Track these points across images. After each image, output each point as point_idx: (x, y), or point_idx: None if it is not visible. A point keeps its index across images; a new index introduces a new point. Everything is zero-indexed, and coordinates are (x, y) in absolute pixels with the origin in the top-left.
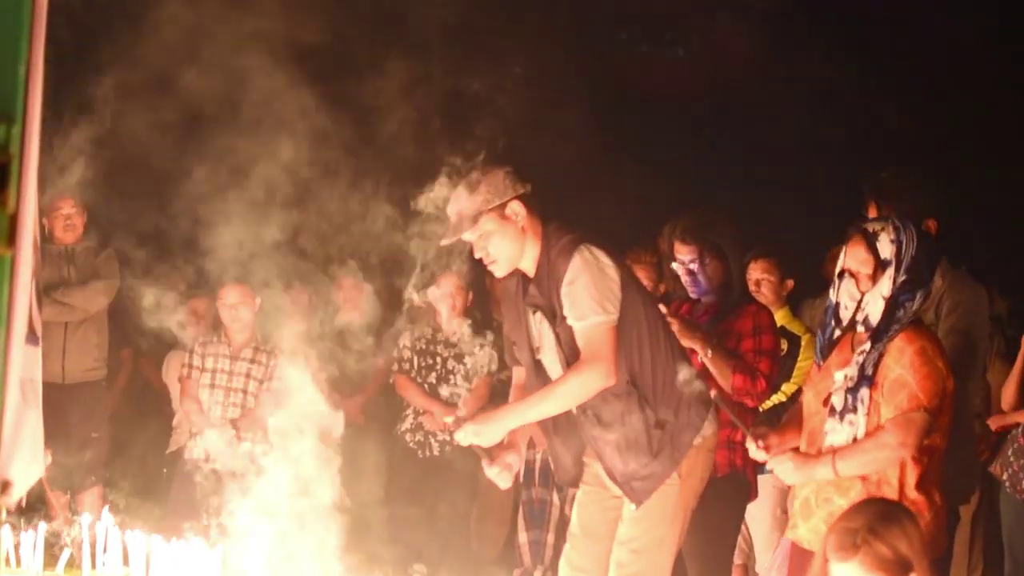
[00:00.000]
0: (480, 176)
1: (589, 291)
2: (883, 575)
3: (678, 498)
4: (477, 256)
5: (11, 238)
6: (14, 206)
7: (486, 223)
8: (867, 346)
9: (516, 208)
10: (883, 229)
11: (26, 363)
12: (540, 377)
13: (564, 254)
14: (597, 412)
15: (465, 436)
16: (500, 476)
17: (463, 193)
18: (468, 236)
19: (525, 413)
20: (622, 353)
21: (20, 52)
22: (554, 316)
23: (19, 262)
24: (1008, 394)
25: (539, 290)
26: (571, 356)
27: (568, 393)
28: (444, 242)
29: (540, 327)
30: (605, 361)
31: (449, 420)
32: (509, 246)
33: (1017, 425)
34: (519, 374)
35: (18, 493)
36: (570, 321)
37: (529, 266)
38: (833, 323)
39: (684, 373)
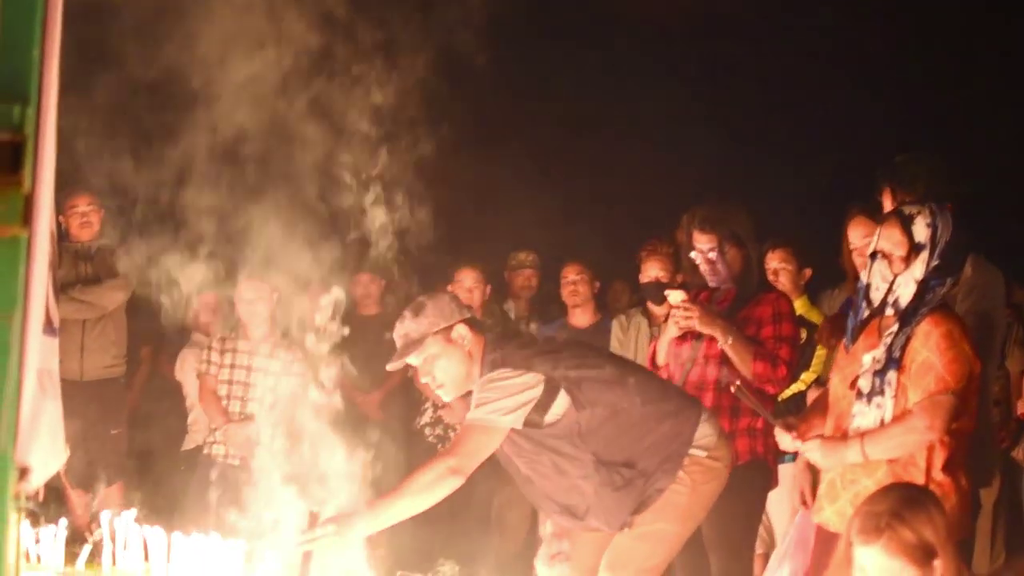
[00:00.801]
0: (426, 300)
1: (483, 395)
2: (907, 560)
3: (689, 500)
4: (423, 381)
5: (27, 218)
6: (29, 186)
7: (431, 346)
8: (894, 328)
9: (462, 331)
10: (919, 212)
11: (43, 354)
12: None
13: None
14: (568, 507)
15: (323, 537)
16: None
17: (408, 317)
18: (413, 360)
19: (372, 522)
20: (591, 435)
21: (34, 33)
22: None
23: (35, 244)
24: None
25: None
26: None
27: (420, 491)
28: (390, 367)
29: None
30: (460, 457)
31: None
32: (456, 370)
33: None
34: None
35: (37, 481)
36: None
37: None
38: (864, 304)
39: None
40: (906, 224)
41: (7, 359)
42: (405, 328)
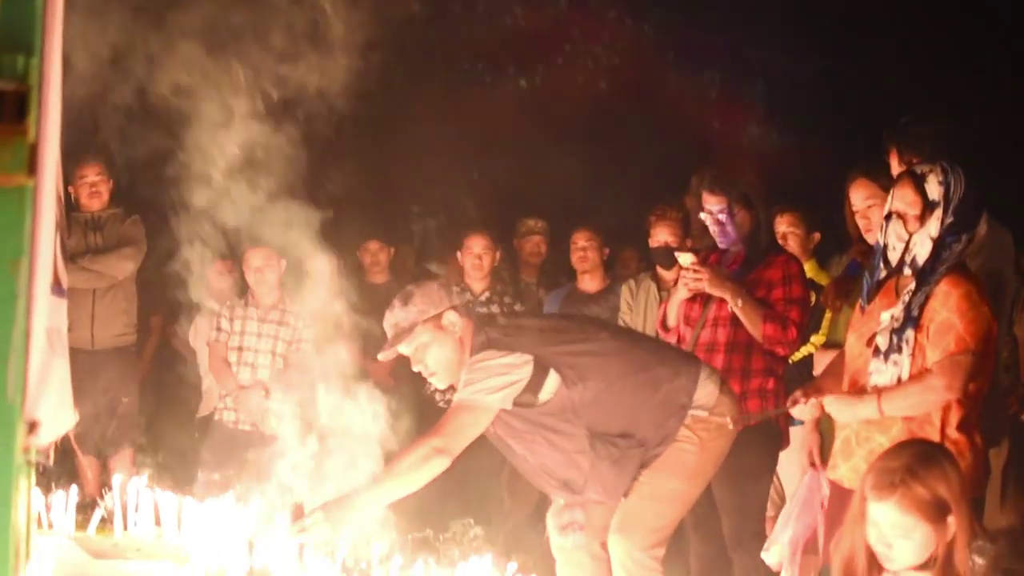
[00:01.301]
0: (414, 289)
1: (469, 376)
2: (920, 516)
3: (697, 457)
4: (416, 369)
5: (32, 168)
6: (34, 136)
7: (422, 334)
8: (912, 287)
9: (452, 318)
10: (931, 171)
11: (52, 313)
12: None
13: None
14: (566, 482)
15: (311, 528)
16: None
17: (397, 306)
18: (404, 349)
19: (364, 503)
20: (585, 409)
21: None
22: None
23: (41, 193)
24: None
25: None
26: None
27: (406, 472)
28: (381, 357)
29: None
30: (444, 437)
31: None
32: (448, 357)
33: None
34: None
35: (46, 437)
36: None
37: None
38: (881, 265)
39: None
40: (919, 183)
41: (14, 309)
42: (395, 317)
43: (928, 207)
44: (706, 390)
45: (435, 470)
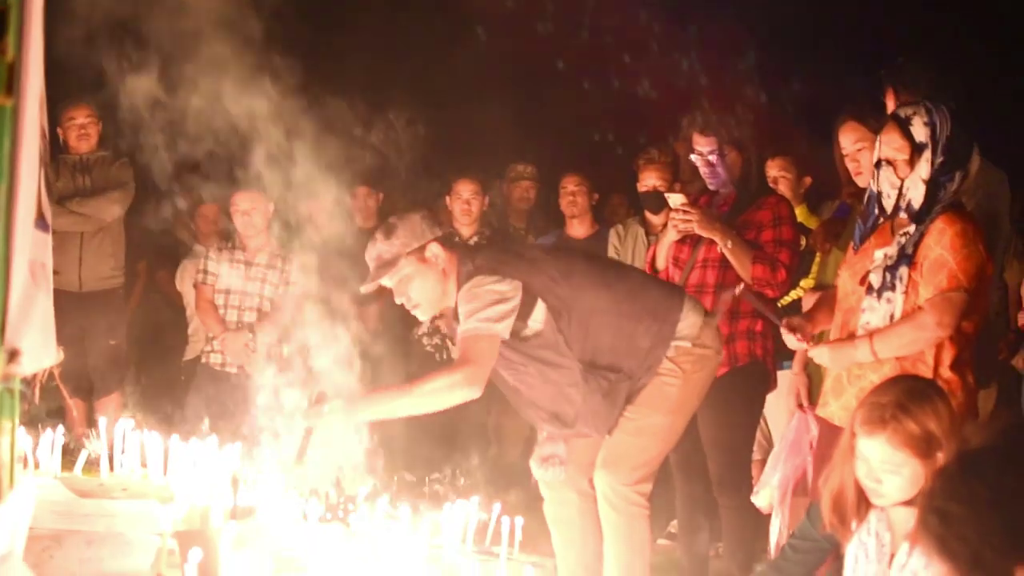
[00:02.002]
0: (396, 221)
1: (470, 306)
2: (910, 451)
3: (680, 390)
4: (398, 302)
5: (10, 87)
6: (13, 54)
7: (405, 266)
8: (910, 228)
9: (435, 250)
10: (915, 113)
11: (36, 247)
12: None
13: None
14: (557, 415)
15: (328, 416)
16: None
17: (380, 239)
18: (387, 282)
19: (377, 409)
20: (573, 340)
21: None
22: None
23: (23, 113)
24: None
25: (455, 325)
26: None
27: (425, 397)
28: (364, 289)
29: None
30: (472, 366)
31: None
32: (431, 289)
33: None
34: None
35: (27, 368)
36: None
37: (453, 303)
38: (876, 211)
39: (636, 314)
40: (904, 127)
41: None
42: (377, 250)
43: (916, 150)
44: (689, 320)
45: (460, 399)
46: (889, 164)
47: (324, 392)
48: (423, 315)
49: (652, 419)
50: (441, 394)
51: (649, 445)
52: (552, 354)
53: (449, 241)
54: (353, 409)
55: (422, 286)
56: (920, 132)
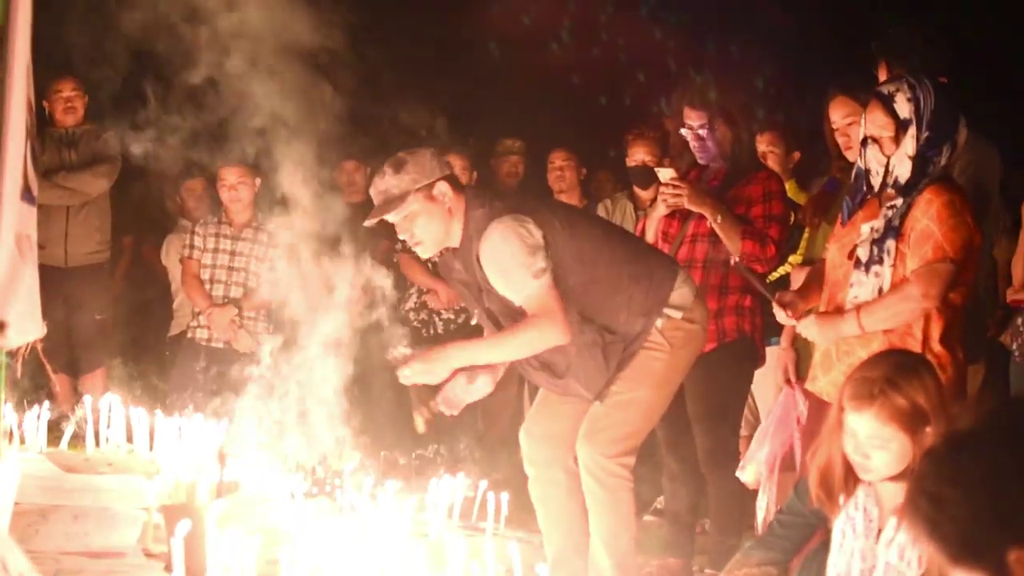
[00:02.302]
0: (406, 156)
1: (513, 263)
2: (898, 426)
3: (666, 365)
4: (401, 237)
5: None
6: (0, 25)
7: (412, 203)
8: (897, 201)
9: (443, 188)
10: (898, 89)
11: (22, 219)
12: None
13: (477, 231)
14: (549, 364)
15: (412, 374)
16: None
17: (388, 172)
18: (392, 217)
19: (474, 354)
20: (571, 291)
21: None
22: (479, 291)
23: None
24: (1018, 270)
25: (464, 267)
26: (505, 325)
27: (522, 343)
28: (368, 223)
29: (472, 299)
30: (557, 318)
31: (397, 355)
32: (436, 227)
33: None
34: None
35: (14, 340)
36: (512, 296)
37: (456, 243)
38: (864, 188)
39: (633, 276)
40: (887, 104)
41: None
42: (385, 184)
43: (901, 126)
44: (682, 292)
45: (550, 343)
46: (875, 142)
47: (408, 355)
48: (424, 252)
49: (636, 393)
50: (532, 345)
51: (632, 418)
52: None
53: (456, 181)
54: (433, 365)
55: (427, 224)
56: (904, 108)
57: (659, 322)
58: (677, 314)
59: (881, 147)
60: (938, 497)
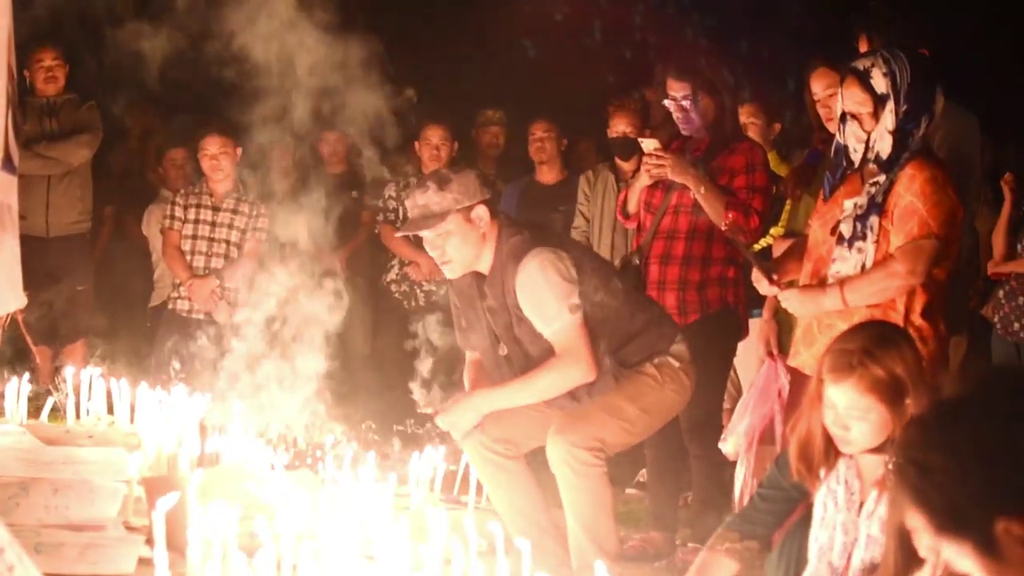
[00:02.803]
0: (451, 175)
1: (549, 295)
2: (877, 398)
3: (654, 393)
4: (432, 253)
5: None
6: None
7: (450, 223)
8: (880, 178)
9: (481, 212)
10: (873, 65)
11: (2, 188)
12: (502, 368)
13: (514, 258)
14: (572, 393)
15: (443, 425)
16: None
17: (432, 188)
18: (426, 233)
19: (500, 399)
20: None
21: None
22: (508, 320)
23: None
24: (999, 242)
25: (492, 293)
26: (533, 354)
27: (547, 386)
28: (399, 234)
29: (497, 328)
30: (583, 357)
31: (428, 410)
32: (469, 250)
33: (1011, 274)
34: (473, 354)
35: None
36: (542, 327)
37: (485, 268)
38: (844, 164)
39: (641, 317)
40: (864, 80)
41: None
42: (427, 199)
43: (879, 102)
44: (681, 348)
45: (577, 382)
46: (854, 118)
47: (438, 409)
48: (451, 273)
49: (618, 402)
50: (558, 387)
51: (607, 423)
52: None
53: (494, 206)
54: (461, 417)
55: (460, 245)
56: (880, 83)
57: (656, 359)
58: (676, 363)
59: (861, 123)
60: (925, 465)
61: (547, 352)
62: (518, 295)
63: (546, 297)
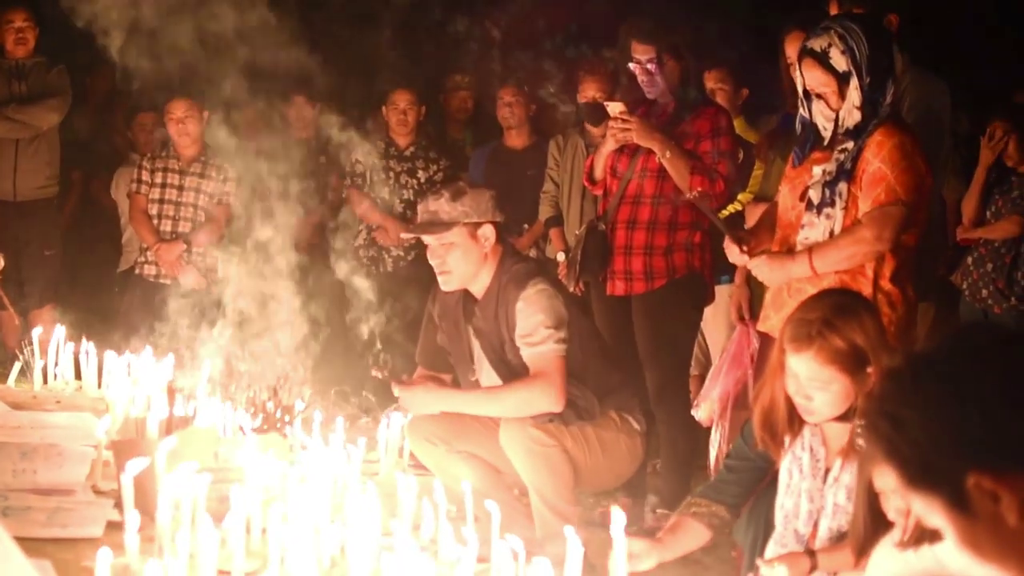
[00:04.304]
0: (467, 188)
1: (544, 320)
2: (838, 368)
3: (607, 433)
4: (432, 261)
5: None
6: None
7: (455, 235)
8: (848, 144)
9: (488, 232)
10: (830, 44)
11: None
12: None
13: (516, 284)
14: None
15: (401, 399)
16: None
17: (445, 197)
18: (430, 240)
19: (463, 404)
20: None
21: None
22: (500, 343)
23: None
24: (968, 208)
25: (484, 315)
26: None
27: (514, 403)
28: (403, 235)
29: (479, 352)
30: (556, 384)
31: (378, 375)
32: (468, 266)
33: (980, 241)
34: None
35: None
36: (523, 347)
37: (479, 290)
38: (813, 139)
39: (617, 376)
40: (823, 61)
41: None
42: (438, 206)
43: (842, 79)
44: (641, 417)
45: (541, 410)
46: (819, 97)
47: (404, 381)
48: (447, 285)
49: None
50: (523, 408)
51: (559, 425)
52: None
53: (503, 231)
54: (424, 401)
55: (463, 259)
56: (840, 62)
57: (623, 412)
58: (635, 425)
59: (827, 102)
60: (898, 418)
61: None
62: (519, 313)
63: (539, 320)
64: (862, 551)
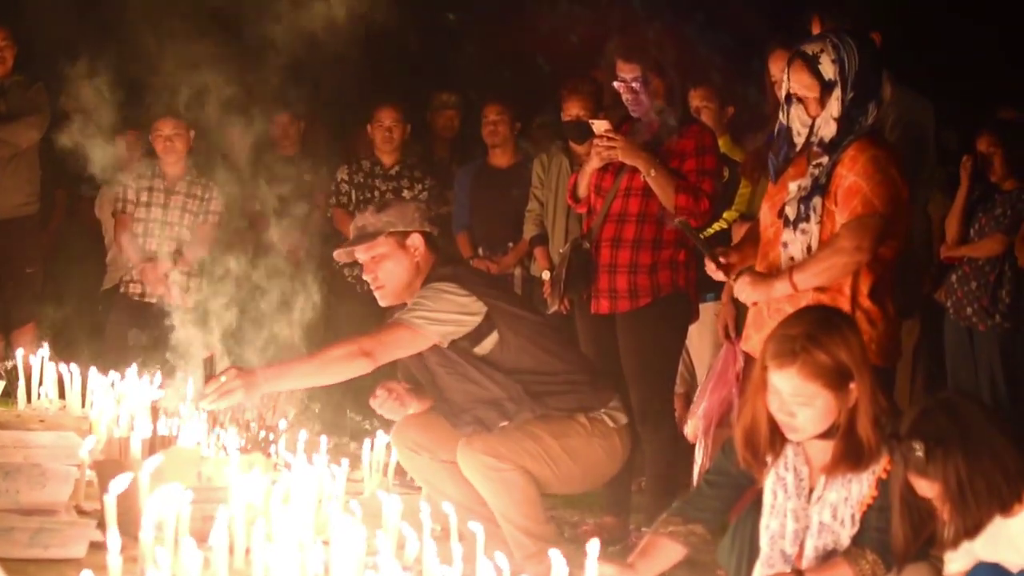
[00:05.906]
0: (393, 201)
1: (425, 302)
2: (821, 384)
3: (577, 440)
4: (365, 278)
5: None
6: None
7: (383, 245)
8: (823, 159)
9: (416, 241)
10: (822, 51)
11: None
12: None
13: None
14: (482, 420)
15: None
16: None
17: (371, 210)
18: (361, 255)
19: (282, 380)
20: (510, 356)
21: None
22: (438, 351)
23: None
24: (952, 227)
25: None
26: (455, 399)
27: (328, 363)
28: (336, 255)
29: (433, 363)
30: (374, 342)
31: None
32: (400, 276)
33: (963, 259)
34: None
35: None
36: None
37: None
38: (787, 147)
39: (578, 377)
40: (812, 65)
41: None
42: (364, 220)
43: (826, 87)
44: (619, 412)
45: (356, 371)
46: (799, 100)
47: (212, 355)
48: (383, 300)
49: (536, 429)
50: (339, 364)
51: (521, 442)
52: (498, 372)
53: (434, 241)
54: (252, 383)
55: (393, 270)
56: (828, 70)
57: (590, 413)
58: (609, 422)
59: (806, 107)
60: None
61: (467, 396)
62: (419, 294)
63: (424, 301)
64: (902, 561)
